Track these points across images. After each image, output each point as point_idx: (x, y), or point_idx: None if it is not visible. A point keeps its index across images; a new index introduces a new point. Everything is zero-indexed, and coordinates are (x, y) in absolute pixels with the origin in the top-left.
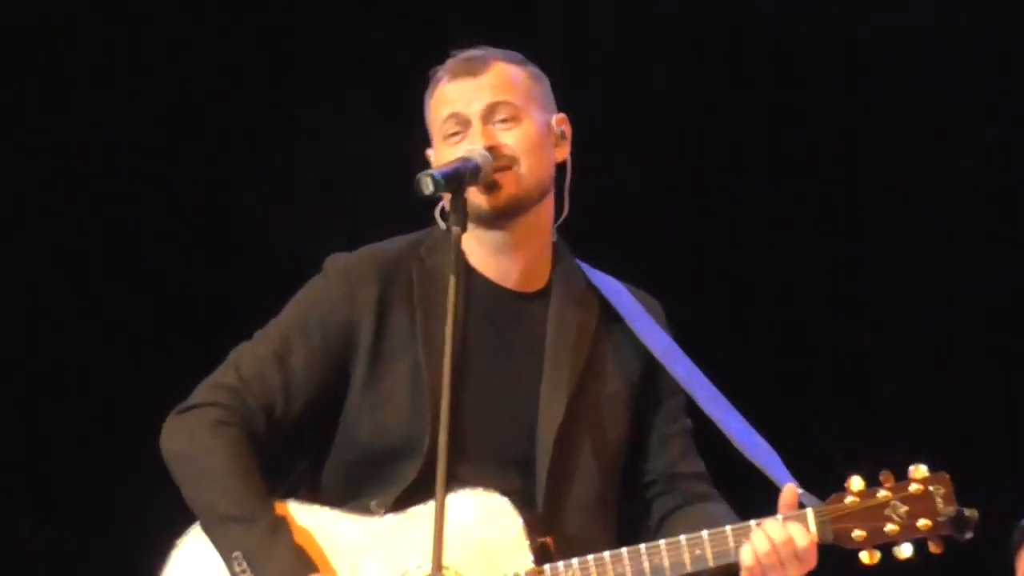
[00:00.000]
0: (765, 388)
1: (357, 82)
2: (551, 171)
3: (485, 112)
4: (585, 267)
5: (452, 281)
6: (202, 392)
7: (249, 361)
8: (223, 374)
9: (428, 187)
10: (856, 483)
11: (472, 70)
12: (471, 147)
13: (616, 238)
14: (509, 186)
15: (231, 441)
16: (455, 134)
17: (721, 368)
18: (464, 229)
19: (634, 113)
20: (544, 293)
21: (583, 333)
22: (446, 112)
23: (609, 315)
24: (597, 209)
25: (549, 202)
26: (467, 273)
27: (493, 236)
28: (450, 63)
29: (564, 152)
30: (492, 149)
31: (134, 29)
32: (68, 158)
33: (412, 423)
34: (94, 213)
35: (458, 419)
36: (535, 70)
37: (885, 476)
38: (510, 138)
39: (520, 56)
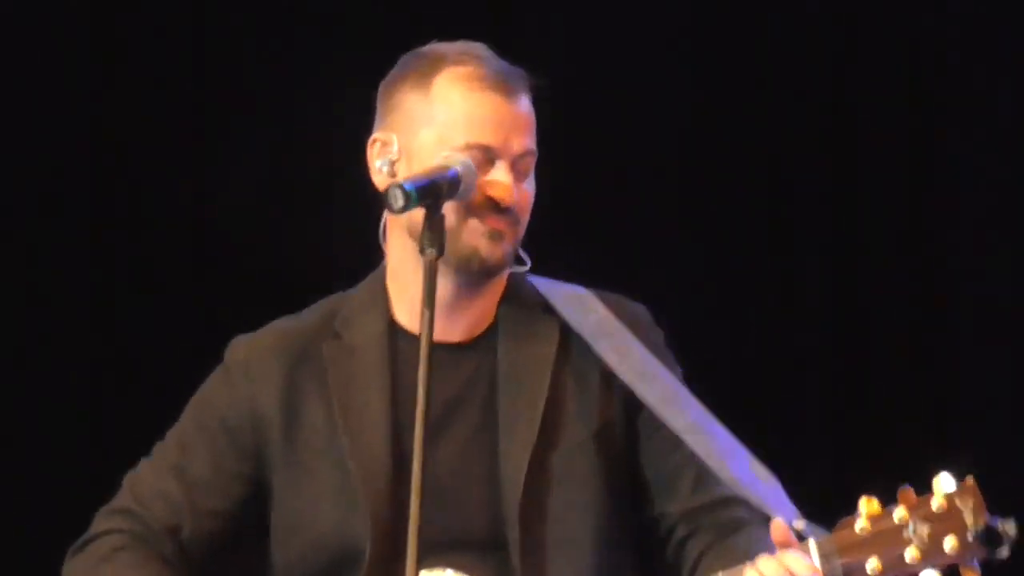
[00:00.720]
0: (763, 397)
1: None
2: None
3: (516, 159)
4: (543, 284)
5: (425, 318)
6: (97, 522)
7: (146, 479)
8: (118, 498)
9: (398, 201)
10: (868, 505)
11: (509, 90)
12: (449, 153)
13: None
14: (509, 240)
15: (135, 562)
16: (481, 164)
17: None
18: (441, 253)
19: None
20: (489, 334)
21: (539, 372)
22: (471, 136)
23: (573, 341)
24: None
25: None
26: (388, 332)
27: (449, 288)
28: (469, 59)
29: None
30: (515, 208)
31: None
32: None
33: (347, 533)
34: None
35: (406, 510)
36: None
37: (904, 493)
38: (525, 192)
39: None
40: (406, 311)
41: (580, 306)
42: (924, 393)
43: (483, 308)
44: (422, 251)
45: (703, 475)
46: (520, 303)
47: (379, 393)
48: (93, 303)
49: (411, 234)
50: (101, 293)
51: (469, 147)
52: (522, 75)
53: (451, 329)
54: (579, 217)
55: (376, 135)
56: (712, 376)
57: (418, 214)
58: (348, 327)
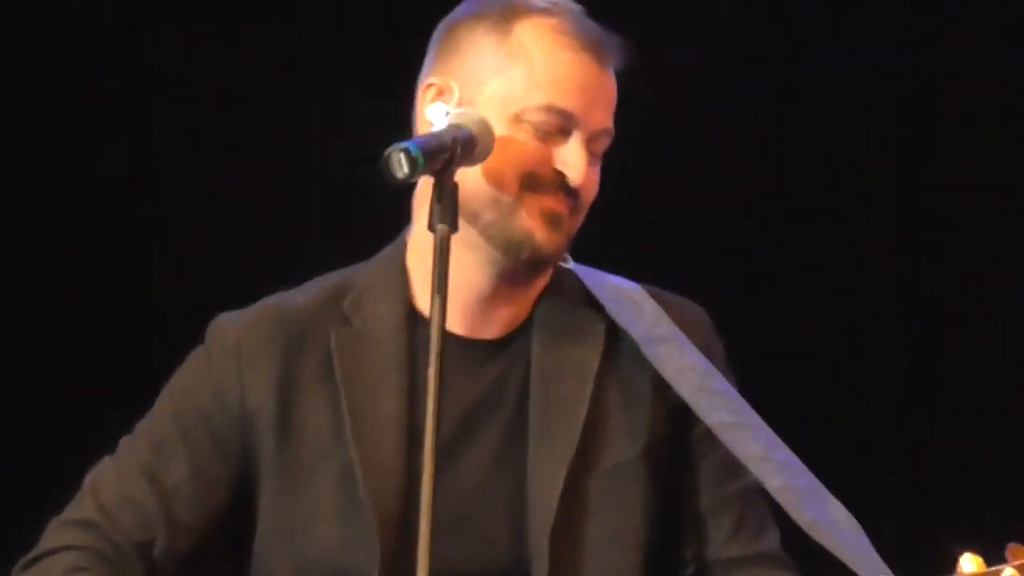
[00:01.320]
0: (826, 423)
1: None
2: None
3: (593, 136)
4: (589, 275)
5: (436, 306)
6: (50, 534)
7: (111, 482)
8: (77, 506)
9: (401, 167)
10: (973, 561)
11: (602, 56)
12: (465, 110)
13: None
14: (567, 229)
15: None
16: (547, 135)
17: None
18: (454, 229)
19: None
20: (522, 331)
21: (579, 378)
22: (553, 97)
23: (621, 343)
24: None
25: None
26: (407, 320)
27: (489, 277)
28: (560, 10)
29: None
30: (581, 191)
31: None
32: None
33: (347, 556)
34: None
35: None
36: None
37: (1014, 550)
38: (594, 177)
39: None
40: (429, 296)
41: (631, 304)
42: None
43: (523, 303)
44: (431, 227)
45: (747, 519)
46: (561, 296)
47: (395, 393)
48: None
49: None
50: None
51: (548, 109)
52: (618, 44)
53: (485, 326)
54: (628, 210)
55: (431, 79)
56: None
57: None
58: (359, 311)
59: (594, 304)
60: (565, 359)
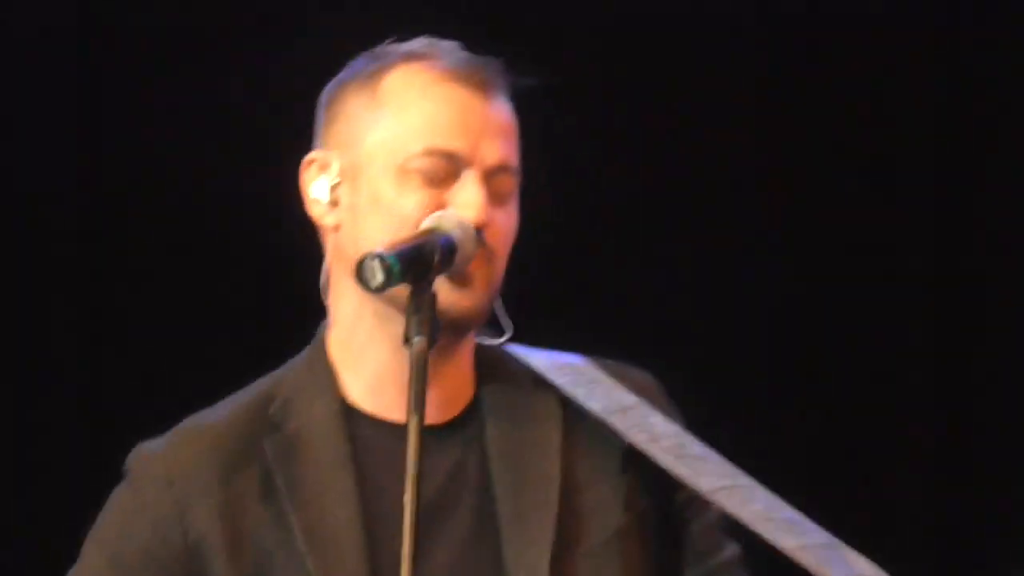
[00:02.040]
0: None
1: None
2: None
3: (490, 173)
4: (529, 353)
5: (412, 425)
6: None
7: None
8: None
9: (376, 276)
10: None
11: (481, 84)
12: (443, 212)
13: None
14: (480, 285)
15: None
16: (438, 180)
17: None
18: (434, 342)
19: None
20: (469, 415)
21: (544, 458)
22: (431, 139)
23: (580, 418)
24: None
25: None
26: (343, 418)
27: (406, 353)
28: (429, 49)
29: None
30: (488, 235)
31: None
32: None
33: None
34: None
35: None
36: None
37: None
38: (503, 219)
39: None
40: (362, 388)
41: (582, 377)
42: None
43: (457, 381)
44: (407, 340)
45: None
46: (505, 377)
47: (343, 495)
48: None
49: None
50: None
51: (430, 153)
52: (500, 70)
53: (435, 408)
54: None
55: (312, 154)
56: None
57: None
58: (289, 416)
59: (543, 382)
60: (525, 440)
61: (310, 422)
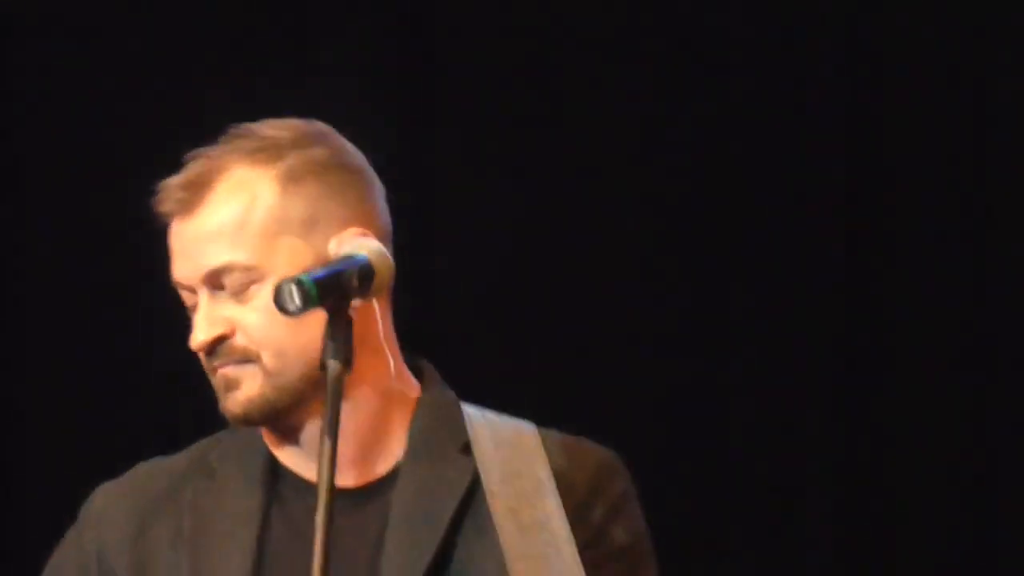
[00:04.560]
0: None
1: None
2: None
3: (208, 279)
4: (476, 415)
5: (325, 451)
6: None
7: None
8: None
9: (293, 300)
10: None
11: (186, 200)
12: (361, 239)
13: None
14: (249, 384)
15: None
16: (194, 304)
17: None
18: (350, 367)
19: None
20: (390, 478)
21: (431, 527)
22: (173, 278)
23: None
24: None
25: (360, 364)
26: (266, 472)
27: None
28: (168, 184)
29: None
30: (217, 341)
31: None
32: None
33: None
34: None
35: None
36: (300, 159)
37: None
38: (245, 315)
39: (278, 133)
40: (285, 446)
41: (509, 446)
42: None
43: (368, 444)
44: (322, 366)
45: None
46: (438, 439)
47: (241, 550)
48: None
49: None
50: None
51: (176, 287)
52: (215, 156)
53: (340, 469)
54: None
55: None
56: None
57: None
58: (223, 463)
59: (466, 451)
60: (423, 507)
61: (237, 472)
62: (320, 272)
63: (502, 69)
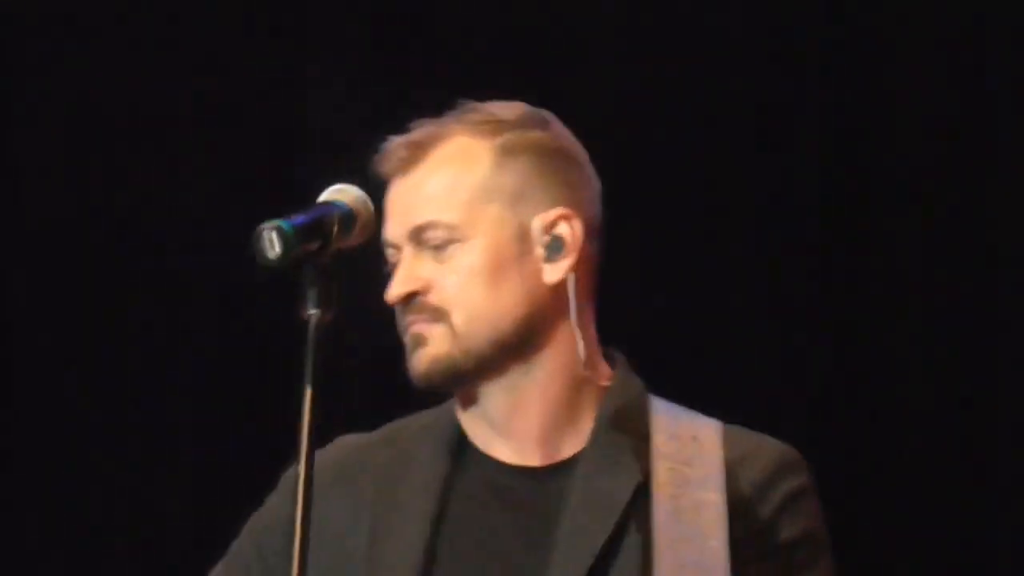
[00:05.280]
0: None
1: None
2: (526, 307)
3: (413, 236)
4: (663, 408)
5: (306, 400)
6: None
7: None
8: None
9: (273, 247)
10: None
11: (407, 159)
12: (342, 186)
13: None
14: (437, 343)
15: None
16: (394, 265)
17: None
18: (328, 314)
19: None
20: (572, 462)
21: (603, 517)
22: (383, 237)
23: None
24: None
25: (551, 342)
26: (453, 449)
27: (487, 401)
28: (391, 144)
29: (561, 268)
30: (412, 297)
31: None
32: None
33: None
34: None
35: None
36: (519, 136)
37: None
38: (443, 275)
39: (503, 112)
40: (475, 424)
41: (689, 443)
42: None
43: (545, 424)
44: (304, 314)
45: None
46: (624, 428)
47: (419, 518)
48: None
49: None
50: None
51: (384, 247)
52: (440, 123)
53: (525, 451)
54: None
55: None
56: None
57: None
58: (414, 436)
59: (644, 449)
60: (598, 495)
61: (425, 444)
62: (299, 218)
63: (502, 69)
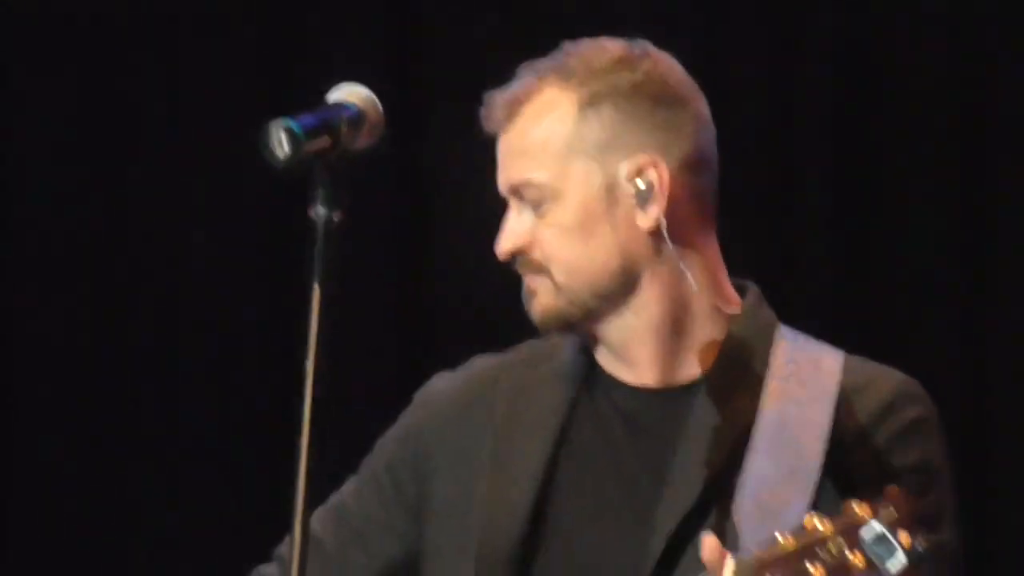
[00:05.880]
0: None
1: None
2: (621, 257)
3: (514, 192)
4: (789, 336)
5: (315, 297)
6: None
7: (319, 516)
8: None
9: (282, 146)
10: (812, 519)
11: (504, 116)
12: (350, 87)
13: None
14: (544, 295)
15: None
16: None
17: None
18: (335, 214)
19: None
20: (693, 387)
21: (728, 429)
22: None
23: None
24: None
25: (656, 281)
26: (580, 371)
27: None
28: (491, 99)
29: (652, 213)
30: (518, 253)
31: None
32: None
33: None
34: None
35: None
36: (604, 84)
37: (855, 506)
38: (541, 232)
39: (594, 56)
40: (599, 346)
41: (807, 368)
42: None
43: (663, 353)
44: (311, 211)
45: None
46: (747, 357)
47: (543, 436)
48: None
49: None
50: None
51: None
52: (531, 76)
53: (646, 375)
54: None
55: None
56: None
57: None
58: (545, 358)
59: (759, 379)
60: (714, 422)
61: (555, 366)
62: (309, 118)
63: (501, 68)
